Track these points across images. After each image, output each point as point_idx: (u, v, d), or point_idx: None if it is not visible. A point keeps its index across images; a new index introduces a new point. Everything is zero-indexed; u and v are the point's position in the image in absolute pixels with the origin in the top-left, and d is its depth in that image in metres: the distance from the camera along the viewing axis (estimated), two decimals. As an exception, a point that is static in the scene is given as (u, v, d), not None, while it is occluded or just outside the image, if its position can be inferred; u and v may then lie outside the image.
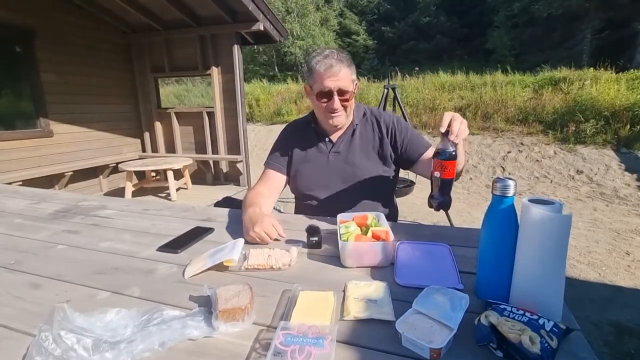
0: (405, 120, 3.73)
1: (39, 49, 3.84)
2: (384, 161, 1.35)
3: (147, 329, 0.59)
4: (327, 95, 1.24)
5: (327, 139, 1.37)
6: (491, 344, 0.55)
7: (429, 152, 1.31)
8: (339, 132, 1.37)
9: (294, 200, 1.50)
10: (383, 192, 1.38)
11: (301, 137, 1.40)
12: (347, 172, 1.33)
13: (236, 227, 1.14)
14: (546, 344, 0.51)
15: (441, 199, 0.95)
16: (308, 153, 1.37)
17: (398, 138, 1.34)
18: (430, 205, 0.99)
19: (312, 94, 1.29)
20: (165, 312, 0.63)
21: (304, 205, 1.40)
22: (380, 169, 1.34)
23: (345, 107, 1.27)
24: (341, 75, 1.22)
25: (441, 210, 1.07)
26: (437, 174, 0.92)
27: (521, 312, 0.58)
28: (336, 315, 0.66)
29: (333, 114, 1.27)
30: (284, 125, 1.53)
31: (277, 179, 1.39)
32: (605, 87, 7.02)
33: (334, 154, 1.35)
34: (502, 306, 0.60)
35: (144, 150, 5.26)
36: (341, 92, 1.23)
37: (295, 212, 1.46)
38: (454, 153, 0.90)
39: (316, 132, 1.38)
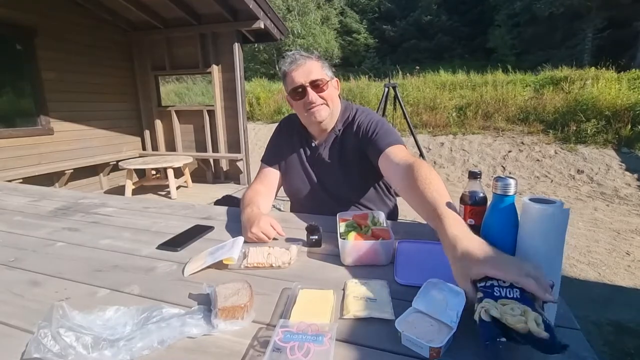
0: (406, 118, 3.72)
1: (39, 47, 3.85)
2: (367, 164, 1.25)
3: (146, 326, 0.59)
4: (300, 89, 1.19)
5: (313, 144, 1.33)
6: (499, 338, 0.51)
7: (395, 149, 1.13)
8: (323, 136, 1.32)
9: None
10: (372, 195, 1.32)
11: (292, 136, 1.37)
12: (329, 179, 1.30)
13: (236, 226, 1.14)
14: (547, 321, 0.49)
15: None
16: (294, 156, 1.35)
17: (364, 136, 1.23)
18: None
19: (289, 98, 1.26)
20: (164, 310, 0.63)
21: (295, 207, 1.40)
22: (364, 173, 1.27)
23: (324, 99, 1.20)
24: (309, 67, 1.18)
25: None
26: (470, 221, 0.78)
27: (507, 285, 0.55)
28: (336, 313, 0.65)
29: (312, 109, 1.20)
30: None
31: (274, 176, 1.36)
32: (606, 86, 7.01)
33: (317, 159, 1.32)
34: (489, 287, 0.56)
35: (144, 149, 5.26)
36: (314, 84, 1.18)
37: (291, 212, 1.46)
38: (483, 196, 0.80)
39: (304, 135, 1.35)
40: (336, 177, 1.29)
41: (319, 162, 1.31)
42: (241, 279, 0.70)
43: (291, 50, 1.26)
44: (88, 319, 0.60)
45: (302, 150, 1.34)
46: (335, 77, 1.29)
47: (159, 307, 0.64)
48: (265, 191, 1.30)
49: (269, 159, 1.38)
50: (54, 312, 0.58)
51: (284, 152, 1.37)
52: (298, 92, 1.20)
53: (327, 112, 1.23)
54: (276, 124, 1.47)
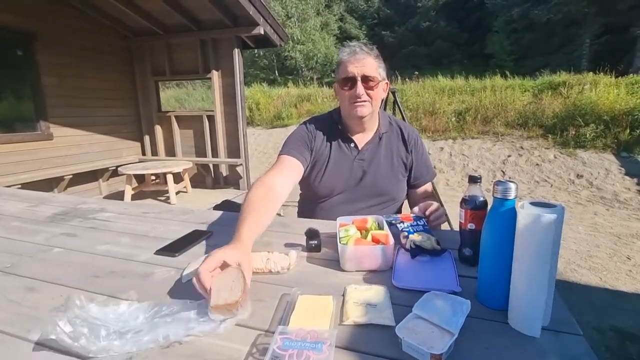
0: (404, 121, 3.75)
1: (39, 52, 3.86)
2: (403, 174, 1.34)
3: (154, 321, 0.61)
4: (351, 81, 1.19)
5: (352, 144, 1.31)
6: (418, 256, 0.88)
7: (427, 187, 1.38)
8: (366, 138, 1.32)
9: (295, 204, 1.48)
10: (396, 204, 1.36)
11: (325, 134, 1.32)
12: (368, 181, 1.29)
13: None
14: (438, 240, 0.91)
15: (473, 251, 0.83)
16: (332, 154, 1.30)
17: (414, 155, 1.34)
18: (463, 260, 0.87)
19: (338, 86, 1.26)
20: (173, 306, 0.66)
21: (316, 206, 1.33)
22: (401, 181, 1.34)
23: (370, 97, 1.20)
24: (366, 62, 1.18)
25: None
26: (471, 225, 0.82)
27: (415, 223, 1.03)
28: (335, 319, 0.65)
29: (356, 103, 1.20)
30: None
31: (295, 166, 1.23)
32: (604, 91, 7.04)
33: (358, 160, 1.30)
34: (399, 224, 1.03)
35: (144, 154, 5.26)
36: (365, 79, 1.18)
37: (300, 214, 1.44)
38: (484, 200, 0.81)
39: (342, 134, 1.31)
40: (380, 176, 1.30)
41: (360, 161, 1.30)
42: (235, 267, 0.70)
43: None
44: (103, 312, 0.63)
45: (340, 149, 1.31)
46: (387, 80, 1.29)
47: (168, 302, 0.67)
48: (283, 175, 1.17)
49: (291, 150, 1.25)
50: (71, 302, 0.61)
51: (313, 148, 1.30)
52: (348, 83, 1.20)
53: (369, 110, 1.23)
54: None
